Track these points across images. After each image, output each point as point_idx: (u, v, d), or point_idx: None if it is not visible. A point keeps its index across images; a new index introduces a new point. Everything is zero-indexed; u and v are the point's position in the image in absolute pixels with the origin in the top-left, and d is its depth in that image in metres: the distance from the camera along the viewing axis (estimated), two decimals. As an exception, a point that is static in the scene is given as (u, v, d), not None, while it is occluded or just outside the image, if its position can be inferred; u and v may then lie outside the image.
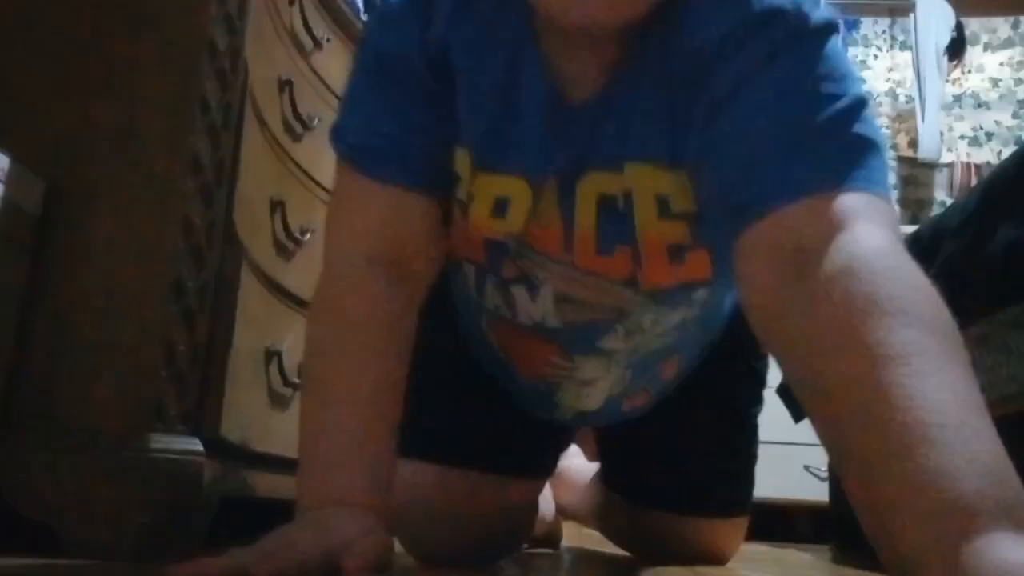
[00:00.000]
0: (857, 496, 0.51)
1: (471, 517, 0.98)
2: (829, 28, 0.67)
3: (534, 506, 1.20)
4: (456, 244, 0.82)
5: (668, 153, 0.71)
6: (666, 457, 1.13)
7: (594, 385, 0.96)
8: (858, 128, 0.63)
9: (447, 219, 0.79)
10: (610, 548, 1.36)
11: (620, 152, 0.73)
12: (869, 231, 0.58)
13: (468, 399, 1.02)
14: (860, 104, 0.64)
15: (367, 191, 0.76)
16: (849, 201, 0.59)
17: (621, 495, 1.20)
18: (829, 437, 0.54)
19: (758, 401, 1.18)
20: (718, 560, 1.18)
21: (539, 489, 1.17)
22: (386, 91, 0.75)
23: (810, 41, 0.66)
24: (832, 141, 0.62)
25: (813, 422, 0.56)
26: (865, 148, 0.63)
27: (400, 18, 0.75)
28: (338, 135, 0.79)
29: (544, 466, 1.13)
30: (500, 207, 0.76)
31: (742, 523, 1.19)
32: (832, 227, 0.58)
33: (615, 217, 0.75)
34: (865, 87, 0.71)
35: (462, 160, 0.76)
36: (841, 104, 0.63)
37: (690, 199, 0.73)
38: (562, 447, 1.18)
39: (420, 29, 0.73)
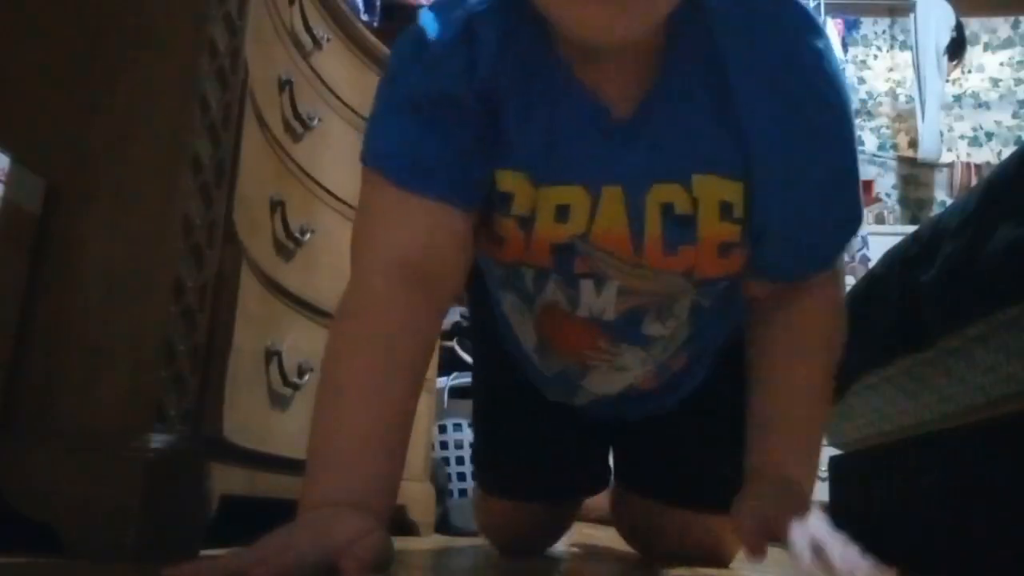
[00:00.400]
0: (754, 421, 0.90)
1: (537, 529, 1.28)
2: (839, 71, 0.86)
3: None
4: (514, 254, 0.89)
5: (729, 165, 0.82)
6: (678, 453, 1.19)
7: (625, 372, 1.03)
8: (853, 216, 0.89)
9: (475, 235, 0.85)
10: (616, 549, 1.36)
11: (683, 165, 0.82)
12: (826, 300, 0.92)
13: (534, 439, 1.19)
14: (858, 175, 0.89)
15: (405, 204, 0.79)
16: (829, 273, 0.92)
17: (634, 490, 1.26)
18: (751, 402, 0.91)
19: None
20: (722, 559, 1.20)
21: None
22: (430, 121, 0.80)
23: (841, 102, 0.83)
24: (835, 236, 0.90)
25: (748, 385, 0.93)
26: (852, 232, 0.90)
27: (445, 60, 0.80)
28: (373, 154, 0.82)
29: (599, 484, 1.29)
30: (562, 213, 0.84)
31: None
32: (814, 288, 0.91)
33: (678, 221, 0.84)
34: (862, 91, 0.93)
35: (514, 180, 0.83)
36: (851, 194, 0.88)
37: (743, 207, 0.84)
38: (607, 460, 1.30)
39: (467, 70, 0.79)
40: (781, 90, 0.79)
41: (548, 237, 0.86)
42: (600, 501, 1.55)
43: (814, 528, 0.74)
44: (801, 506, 0.79)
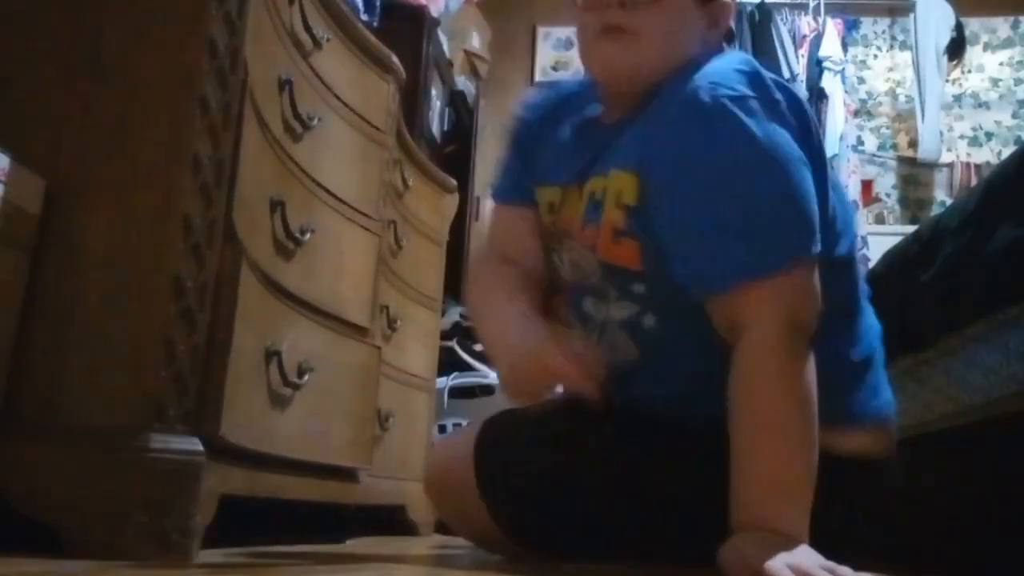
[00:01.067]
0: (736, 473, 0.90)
1: None
2: (798, 106, 1.00)
3: None
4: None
5: (634, 163, 1.01)
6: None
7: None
8: (785, 211, 0.94)
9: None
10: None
11: (609, 161, 1.05)
12: (768, 321, 0.92)
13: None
14: (796, 181, 0.94)
15: (500, 214, 1.24)
16: (758, 289, 0.93)
17: None
18: (734, 422, 0.92)
19: None
20: None
21: None
22: (513, 155, 1.22)
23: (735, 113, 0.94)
24: (742, 232, 0.94)
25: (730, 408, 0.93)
26: (789, 228, 0.94)
27: (534, 108, 1.23)
28: (492, 187, 1.28)
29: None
30: (551, 208, 1.15)
31: None
32: (748, 315, 0.93)
33: (594, 205, 1.05)
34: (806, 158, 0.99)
35: (534, 186, 1.18)
36: (757, 185, 0.94)
37: (633, 195, 1.01)
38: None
39: (544, 109, 1.21)
40: (681, 136, 0.97)
41: (545, 222, 1.16)
42: None
43: (799, 560, 0.80)
44: (784, 544, 0.83)
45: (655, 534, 1.04)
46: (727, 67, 0.98)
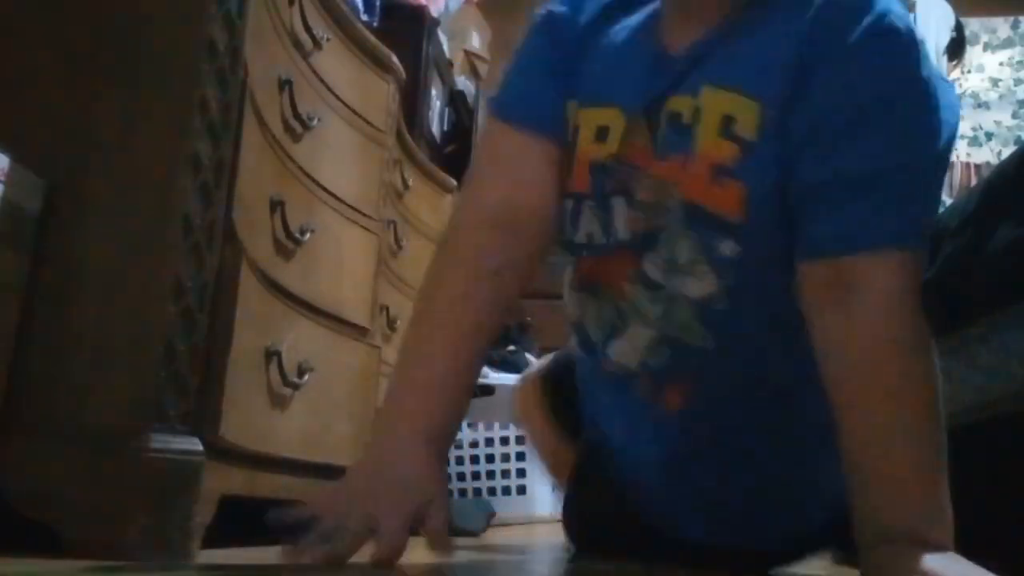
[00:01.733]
0: (850, 473, 0.76)
1: None
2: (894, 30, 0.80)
3: None
4: (563, 180, 0.94)
5: (752, 85, 0.82)
6: None
7: (638, 321, 0.92)
8: (932, 180, 0.82)
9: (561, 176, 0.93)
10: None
11: (699, 78, 0.85)
12: (893, 288, 0.76)
13: None
14: (945, 148, 0.82)
15: (505, 138, 0.94)
16: (888, 257, 0.77)
17: None
18: (841, 421, 0.77)
19: None
20: None
21: None
22: (534, 67, 0.96)
23: (919, 63, 0.80)
24: (889, 196, 0.77)
25: (832, 400, 0.77)
26: (929, 203, 0.82)
27: (559, 17, 0.96)
28: (494, 98, 0.99)
29: None
30: (601, 134, 0.90)
31: None
32: (870, 278, 0.76)
33: (678, 129, 0.85)
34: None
35: (571, 107, 0.93)
36: (916, 149, 0.79)
37: (753, 128, 0.81)
38: None
39: (572, 17, 0.96)
40: (856, 67, 0.78)
41: (588, 154, 0.91)
42: None
43: (972, 571, 0.69)
44: (952, 557, 0.71)
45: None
46: None
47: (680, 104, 0.85)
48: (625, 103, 0.89)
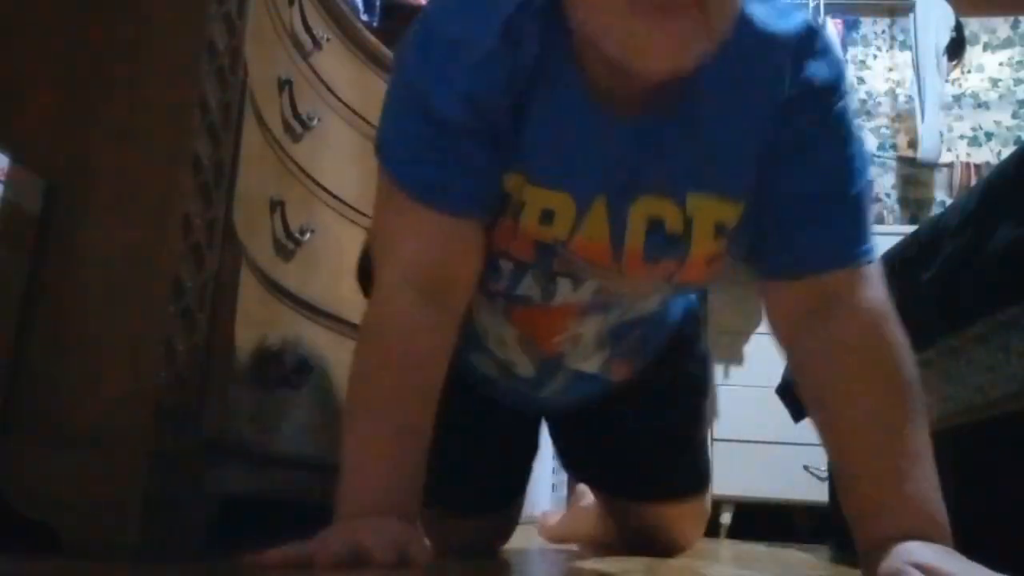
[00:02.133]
0: (842, 483, 0.80)
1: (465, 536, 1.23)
2: (847, 92, 0.85)
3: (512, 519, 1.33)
4: (501, 241, 0.88)
5: (734, 188, 0.84)
6: (626, 452, 1.23)
7: (582, 341, 1.04)
8: (868, 204, 0.84)
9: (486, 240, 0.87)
10: (619, 549, 1.36)
11: (674, 178, 0.83)
12: (874, 296, 0.81)
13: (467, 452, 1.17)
14: (868, 175, 0.85)
15: (421, 216, 0.81)
16: (864, 271, 0.82)
17: (597, 488, 1.35)
18: (830, 441, 0.81)
19: (703, 393, 1.29)
20: (681, 544, 1.29)
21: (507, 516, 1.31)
22: (454, 134, 0.79)
23: (846, 114, 0.84)
24: (859, 218, 0.83)
25: (816, 424, 0.82)
26: (871, 221, 0.84)
27: (487, 66, 0.78)
28: (390, 155, 0.84)
29: (506, 505, 1.29)
30: (547, 217, 0.84)
31: (700, 508, 1.32)
32: (852, 290, 0.81)
33: (663, 236, 0.85)
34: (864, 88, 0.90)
35: (515, 181, 0.83)
36: (864, 179, 0.84)
37: (737, 220, 0.86)
38: (521, 488, 1.30)
39: (509, 79, 0.79)
40: (814, 147, 0.83)
41: (532, 234, 0.86)
42: (555, 526, 1.70)
43: (974, 569, 0.69)
44: (951, 552, 0.72)
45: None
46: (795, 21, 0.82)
47: (661, 210, 0.84)
48: (576, 191, 0.83)
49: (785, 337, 0.86)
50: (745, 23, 0.78)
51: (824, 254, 0.83)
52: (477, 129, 0.80)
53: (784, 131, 0.82)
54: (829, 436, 0.81)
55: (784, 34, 0.81)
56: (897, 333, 0.81)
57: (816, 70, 0.82)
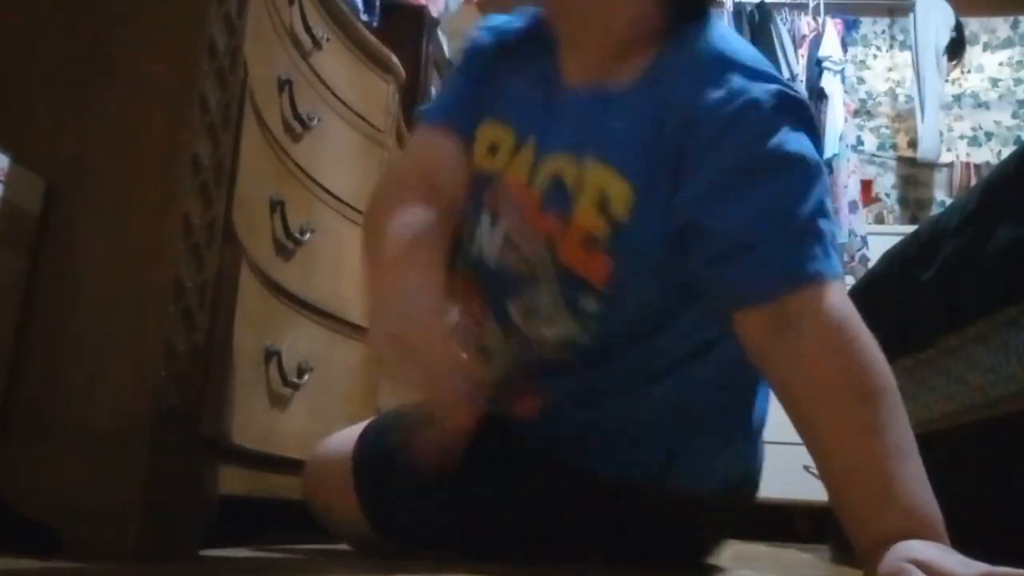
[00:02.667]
0: (833, 493, 0.79)
1: None
2: (802, 107, 0.89)
3: None
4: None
5: (627, 167, 0.89)
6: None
7: (490, 358, 1.02)
8: (824, 221, 0.84)
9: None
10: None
11: (586, 142, 0.92)
12: (833, 304, 0.81)
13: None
14: (822, 189, 0.86)
15: (421, 133, 1.08)
16: (817, 288, 0.81)
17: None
18: (814, 455, 0.81)
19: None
20: None
21: None
22: (459, 82, 1.08)
23: (784, 129, 0.86)
24: (802, 241, 0.83)
25: (803, 440, 0.81)
26: (829, 236, 0.84)
27: (484, 45, 1.07)
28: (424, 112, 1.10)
29: None
30: (493, 149, 1.01)
31: None
32: (809, 304, 0.80)
33: (558, 188, 0.93)
34: (820, 158, 0.90)
35: (481, 127, 1.03)
36: (806, 204, 0.84)
37: (626, 210, 0.89)
38: None
39: (495, 46, 1.06)
40: (725, 149, 0.86)
41: (480, 166, 1.01)
42: None
43: (977, 565, 0.69)
44: (948, 549, 0.72)
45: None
46: (749, 54, 0.90)
47: (565, 167, 0.93)
48: (518, 126, 1.00)
49: (755, 359, 0.85)
50: (713, 43, 0.90)
51: (765, 283, 0.83)
52: (470, 85, 1.05)
53: (695, 144, 0.86)
54: (812, 449, 0.81)
55: (745, 67, 0.88)
56: (862, 335, 0.80)
57: (760, 107, 0.86)
